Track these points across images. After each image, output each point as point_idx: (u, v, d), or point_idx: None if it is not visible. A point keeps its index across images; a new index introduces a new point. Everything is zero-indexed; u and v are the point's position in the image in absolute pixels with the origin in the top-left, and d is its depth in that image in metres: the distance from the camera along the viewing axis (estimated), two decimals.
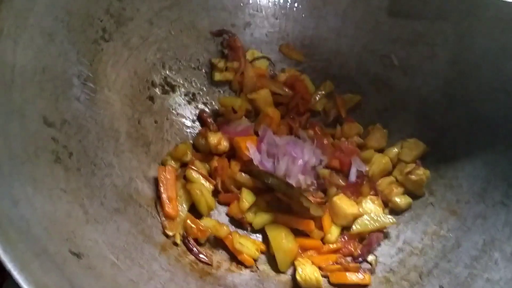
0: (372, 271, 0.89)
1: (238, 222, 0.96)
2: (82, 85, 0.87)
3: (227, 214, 0.97)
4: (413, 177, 0.96)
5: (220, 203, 0.98)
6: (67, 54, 0.85)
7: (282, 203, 0.94)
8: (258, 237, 0.96)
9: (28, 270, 0.55)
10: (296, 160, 0.95)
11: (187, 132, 1.05)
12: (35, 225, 0.65)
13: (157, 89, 1.02)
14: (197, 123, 1.07)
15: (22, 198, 0.66)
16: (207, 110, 1.08)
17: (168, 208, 0.89)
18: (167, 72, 1.04)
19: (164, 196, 0.90)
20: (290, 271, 0.90)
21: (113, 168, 0.88)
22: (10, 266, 0.54)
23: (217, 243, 0.92)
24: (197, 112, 1.07)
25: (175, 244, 0.87)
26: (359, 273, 0.87)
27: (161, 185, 0.91)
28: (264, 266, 0.91)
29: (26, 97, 0.76)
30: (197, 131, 1.05)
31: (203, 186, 0.93)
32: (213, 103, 1.09)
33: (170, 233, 0.88)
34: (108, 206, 0.82)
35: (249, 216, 0.94)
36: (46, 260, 0.62)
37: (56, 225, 0.69)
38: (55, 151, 0.78)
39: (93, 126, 0.87)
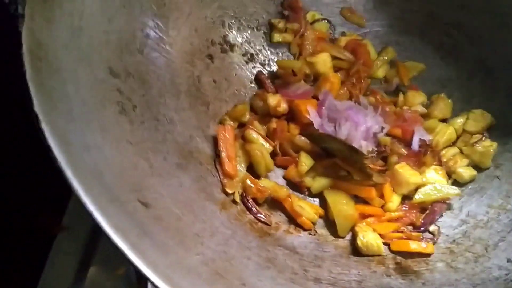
0: (434, 241, 0.86)
1: (295, 186, 0.94)
2: (145, 39, 0.86)
3: (284, 177, 0.95)
4: (479, 148, 0.92)
5: (277, 165, 0.96)
6: (131, 5, 0.84)
7: (340, 169, 0.92)
8: (315, 201, 0.94)
9: (107, 214, 0.55)
10: (359, 126, 0.92)
11: (244, 93, 1.03)
12: (106, 172, 0.64)
13: (216, 48, 1.01)
14: (254, 84, 1.05)
15: (93, 146, 0.65)
16: (265, 71, 1.05)
17: (228, 166, 0.88)
18: (226, 31, 1.02)
19: (223, 154, 0.89)
20: (348, 237, 0.89)
21: (174, 124, 0.87)
22: (91, 208, 0.53)
23: (275, 204, 0.90)
24: (254, 73, 1.05)
25: (234, 202, 0.87)
26: (422, 242, 0.84)
27: (220, 143, 0.89)
28: (322, 230, 0.89)
29: (93, 46, 0.74)
30: (253, 92, 1.03)
31: (263, 147, 0.92)
32: (271, 64, 1.07)
33: (230, 191, 0.87)
34: (171, 162, 0.81)
35: (307, 180, 0.92)
36: (119, 207, 0.61)
37: (124, 175, 0.69)
38: (120, 103, 0.77)
39: (155, 82, 0.86)
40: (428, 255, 0.84)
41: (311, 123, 0.94)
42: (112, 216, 0.56)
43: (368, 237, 0.83)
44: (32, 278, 0.90)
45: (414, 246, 0.84)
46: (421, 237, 0.86)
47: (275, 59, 1.07)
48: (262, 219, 0.86)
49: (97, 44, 0.75)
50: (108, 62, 0.77)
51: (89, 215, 0.54)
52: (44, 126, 0.56)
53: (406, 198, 0.92)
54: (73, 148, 0.59)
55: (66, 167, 0.55)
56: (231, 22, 1.03)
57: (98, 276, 0.89)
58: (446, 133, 0.96)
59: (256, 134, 0.92)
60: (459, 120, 0.97)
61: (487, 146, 0.92)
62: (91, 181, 0.59)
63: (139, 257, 0.53)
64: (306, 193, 0.94)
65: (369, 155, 0.94)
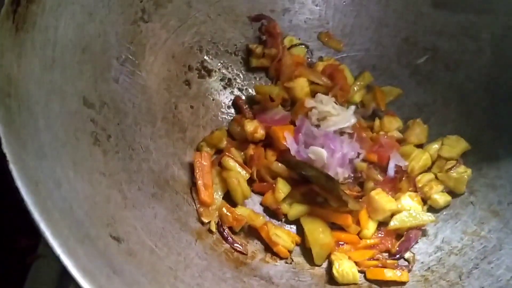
0: (409, 269, 0.87)
1: (272, 212, 0.94)
2: (121, 67, 0.86)
3: (261, 204, 0.95)
4: (454, 174, 0.93)
5: (254, 192, 0.96)
6: (106, 34, 0.83)
7: (317, 195, 0.92)
8: (292, 228, 0.94)
9: (75, 256, 0.54)
10: (335, 153, 0.93)
11: (222, 118, 1.03)
12: (77, 209, 0.63)
13: (193, 73, 1.01)
14: (232, 109, 1.05)
15: (64, 181, 0.65)
16: (242, 96, 1.06)
17: (204, 195, 0.88)
18: (204, 56, 1.02)
19: (200, 182, 0.88)
20: (324, 265, 0.89)
21: (150, 153, 0.86)
22: (59, 251, 0.53)
23: (251, 232, 0.90)
24: (232, 98, 1.05)
25: (210, 231, 0.86)
26: (397, 270, 0.85)
27: (197, 171, 0.89)
28: (298, 259, 0.89)
29: (67, 77, 0.74)
30: (231, 118, 1.03)
31: (239, 174, 0.91)
32: (249, 89, 1.07)
33: (205, 221, 0.87)
34: (146, 192, 0.81)
35: (284, 207, 0.93)
36: (90, 245, 0.60)
37: (96, 210, 0.68)
38: (94, 133, 0.76)
39: (130, 110, 0.86)
40: (403, 283, 0.85)
41: (288, 150, 0.94)
42: (80, 257, 0.56)
43: (344, 266, 0.84)
44: None
45: (389, 274, 0.84)
46: (397, 265, 0.87)
47: (253, 84, 1.07)
48: (238, 249, 0.86)
49: (71, 75, 0.75)
50: (82, 93, 0.76)
51: (57, 258, 0.53)
52: (12, 166, 0.55)
53: (382, 224, 0.93)
54: (43, 187, 0.59)
55: (33, 208, 0.54)
56: (208, 48, 1.03)
57: None
58: (421, 158, 0.97)
59: (233, 161, 0.92)
60: (435, 146, 0.98)
61: (462, 172, 0.94)
62: (61, 220, 0.58)
63: None
64: (283, 219, 0.94)
65: (345, 181, 0.95)
